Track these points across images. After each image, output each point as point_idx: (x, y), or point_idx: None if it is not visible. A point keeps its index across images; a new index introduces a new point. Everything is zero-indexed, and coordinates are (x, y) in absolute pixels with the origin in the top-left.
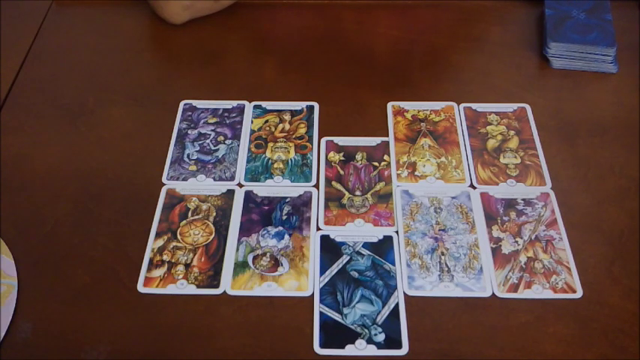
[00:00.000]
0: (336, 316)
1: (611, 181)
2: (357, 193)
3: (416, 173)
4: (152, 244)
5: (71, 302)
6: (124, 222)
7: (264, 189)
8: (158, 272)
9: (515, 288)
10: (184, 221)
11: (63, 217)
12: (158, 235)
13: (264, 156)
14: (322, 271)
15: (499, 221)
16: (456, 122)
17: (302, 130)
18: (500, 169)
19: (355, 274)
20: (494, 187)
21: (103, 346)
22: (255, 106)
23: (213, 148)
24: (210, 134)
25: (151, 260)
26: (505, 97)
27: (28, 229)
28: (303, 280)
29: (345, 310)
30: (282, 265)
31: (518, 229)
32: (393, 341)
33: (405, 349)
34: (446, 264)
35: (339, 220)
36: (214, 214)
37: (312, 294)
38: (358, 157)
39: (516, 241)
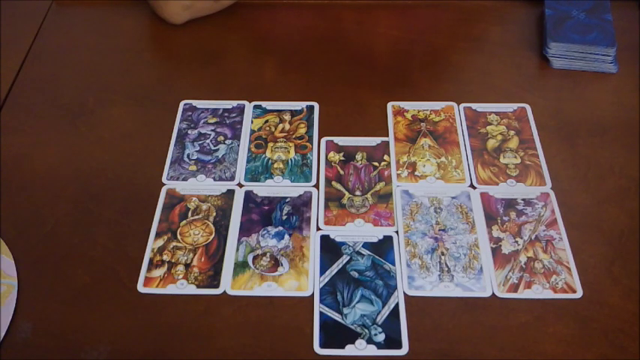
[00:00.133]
0: (336, 316)
1: (611, 181)
2: (357, 193)
3: (416, 173)
4: (152, 244)
5: (71, 302)
6: (124, 222)
7: (264, 189)
8: (158, 272)
9: (515, 288)
10: (184, 221)
11: (63, 217)
12: (158, 235)
13: (264, 156)
14: (322, 271)
15: (499, 221)
16: (456, 122)
17: (302, 130)
18: (500, 169)
19: (355, 274)
20: (494, 187)
21: (103, 346)
22: (255, 106)
23: (213, 148)
24: (210, 134)
25: (151, 260)
26: (505, 97)
27: (28, 229)
28: (303, 280)
29: (345, 310)
30: (282, 265)
31: (518, 229)
32: (393, 341)
33: (405, 349)
34: (446, 264)
35: (339, 220)
36: (214, 214)
37: (312, 294)
38: (358, 157)
39: (516, 241)
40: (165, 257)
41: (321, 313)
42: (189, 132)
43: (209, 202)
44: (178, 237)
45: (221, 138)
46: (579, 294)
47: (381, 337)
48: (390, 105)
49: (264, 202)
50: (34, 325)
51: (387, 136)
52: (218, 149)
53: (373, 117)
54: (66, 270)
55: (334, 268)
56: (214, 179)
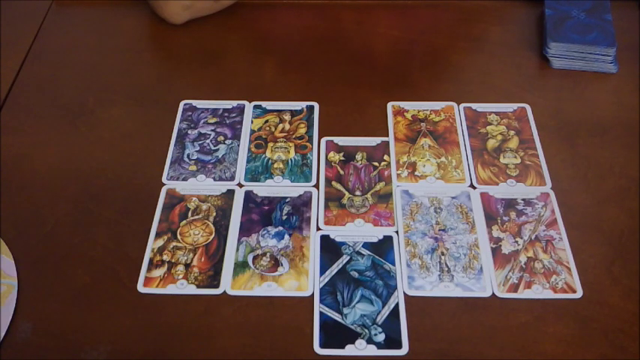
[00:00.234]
0: (336, 316)
1: (611, 181)
2: (357, 193)
3: (416, 173)
4: (152, 244)
5: (71, 302)
6: (124, 222)
7: (264, 189)
8: (158, 272)
9: (515, 288)
10: (184, 221)
11: (63, 217)
12: (158, 235)
13: (264, 156)
14: (322, 271)
15: (499, 221)
16: (456, 122)
17: (302, 130)
18: (500, 169)
19: (355, 274)
20: (494, 187)
21: (103, 346)
22: (255, 106)
23: (213, 148)
24: (210, 134)
25: (151, 260)
26: (505, 97)
27: (28, 229)
28: (303, 280)
29: (345, 310)
30: (282, 265)
31: (518, 229)
32: (393, 341)
33: (405, 349)
34: (446, 264)
35: (339, 220)
36: (214, 214)
37: (312, 294)
38: (358, 157)
39: (516, 241)
40: (165, 257)
41: (321, 313)
42: (189, 132)
43: (209, 202)
44: (178, 237)
45: (221, 138)
46: (579, 294)
47: (381, 337)
48: (390, 105)
49: (264, 202)
50: (34, 325)
51: (387, 136)
52: (218, 149)
53: (373, 117)
54: (66, 270)
55: (334, 268)
56: (214, 179)
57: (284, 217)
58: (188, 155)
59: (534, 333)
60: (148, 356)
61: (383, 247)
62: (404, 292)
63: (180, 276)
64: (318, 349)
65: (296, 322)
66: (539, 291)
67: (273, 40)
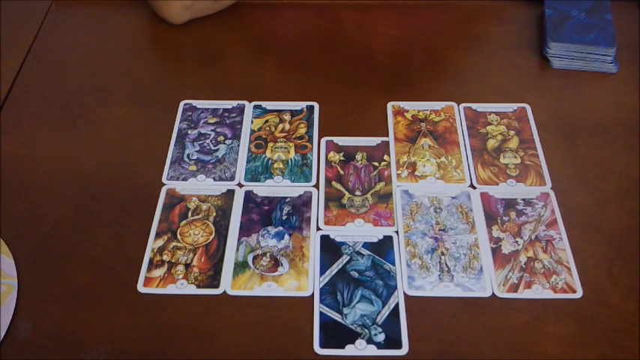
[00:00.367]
0: (336, 316)
1: (611, 181)
2: (357, 193)
3: (416, 173)
4: (152, 244)
5: (71, 302)
6: (124, 222)
7: (264, 189)
8: (158, 272)
9: (515, 288)
10: (184, 221)
11: (63, 217)
12: (158, 235)
13: (264, 156)
14: (322, 271)
15: (499, 221)
16: (456, 122)
17: (302, 130)
18: (500, 169)
19: (355, 274)
20: (494, 187)
21: (103, 346)
22: (255, 106)
23: (213, 148)
24: (210, 134)
25: (151, 260)
26: (505, 97)
27: (28, 229)
28: (303, 280)
29: (345, 310)
30: (282, 265)
31: (518, 229)
32: (393, 341)
33: (405, 349)
34: (446, 264)
35: (339, 220)
36: (214, 214)
37: (312, 294)
38: (358, 157)
39: (516, 241)
40: (165, 257)
41: (321, 313)
42: (189, 132)
43: (209, 202)
44: (178, 237)
45: (221, 138)
46: (579, 294)
47: (381, 337)
48: (390, 105)
49: (264, 202)
50: (34, 325)
51: (387, 136)
52: (218, 149)
53: (373, 117)
54: (66, 270)
55: (334, 268)
56: (214, 179)
57: (284, 217)
58: (188, 155)
59: (534, 333)
60: (148, 356)
61: (383, 247)
62: (404, 292)
63: (180, 276)
64: (318, 349)
65: (296, 322)
66: (539, 291)
67: (273, 40)
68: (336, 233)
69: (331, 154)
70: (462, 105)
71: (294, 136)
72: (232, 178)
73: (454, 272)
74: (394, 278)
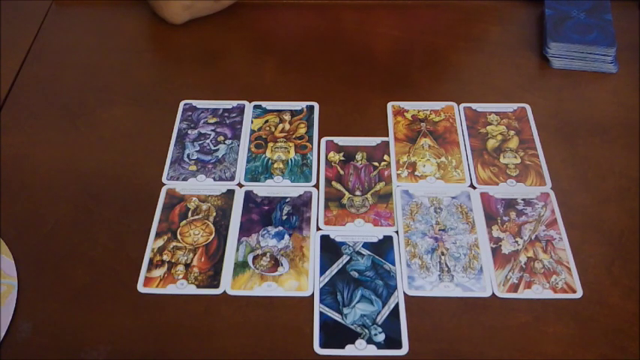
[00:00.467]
0: (336, 316)
1: (611, 181)
2: (357, 193)
3: (416, 173)
4: (152, 244)
5: (71, 302)
6: (124, 222)
7: (264, 189)
8: (158, 272)
9: (515, 288)
10: (184, 221)
11: (63, 217)
12: (158, 235)
13: (264, 156)
14: (322, 271)
15: (499, 221)
16: (456, 122)
17: (302, 130)
18: (500, 169)
19: (355, 274)
20: (494, 187)
21: (103, 346)
22: (255, 106)
23: (213, 148)
24: (210, 134)
25: (151, 260)
26: (505, 97)
27: (28, 229)
28: (303, 280)
29: (345, 310)
30: (282, 265)
31: (518, 229)
32: (393, 341)
33: (405, 349)
34: (446, 264)
35: (339, 220)
36: (214, 214)
37: (312, 294)
38: (358, 157)
39: (516, 241)
40: (165, 257)
41: (321, 313)
42: (189, 132)
43: (209, 202)
44: (178, 237)
45: (221, 138)
46: (579, 294)
47: (381, 337)
48: (390, 105)
49: (264, 202)
50: (34, 325)
51: (387, 136)
52: (218, 149)
53: (373, 117)
54: (66, 270)
55: (334, 268)
56: (214, 179)
57: (284, 217)
58: (188, 155)
59: (534, 333)
60: (148, 356)
61: (383, 247)
62: (404, 292)
63: (180, 276)
64: (318, 349)
65: (296, 322)
66: (539, 291)
67: (273, 40)
68: (336, 233)
69: (331, 154)
70: (462, 105)
71: (294, 136)
72: (232, 178)
73: (454, 272)
74: (394, 278)
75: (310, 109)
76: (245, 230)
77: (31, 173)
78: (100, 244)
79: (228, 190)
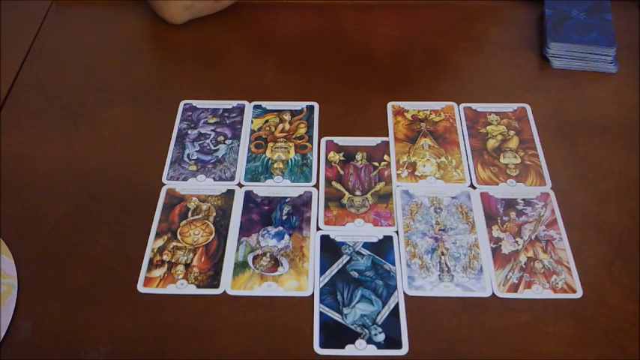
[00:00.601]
0: (336, 316)
1: (611, 181)
2: (357, 193)
3: (416, 173)
4: (152, 244)
5: (71, 302)
6: (124, 222)
7: (264, 189)
8: (158, 272)
9: (515, 288)
10: (184, 221)
11: (63, 217)
12: (158, 235)
13: (264, 156)
14: (322, 271)
15: (499, 221)
16: (456, 122)
17: (302, 130)
18: (500, 169)
19: (355, 274)
20: (494, 187)
21: (103, 346)
22: (255, 106)
23: (213, 148)
24: (210, 134)
25: (151, 260)
26: (505, 97)
27: (28, 229)
28: (303, 280)
29: (345, 310)
30: (282, 265)
31: (518, 229)
32: (393, 341)
33: (405, 349)
34: (446, 264)
35: (339, 220)
36: (214, 214)
37: (312, 294)
38: (358, 157)
39: (516, 241)
40: (165, 257)
41: (321, 313)
42: (189, 132)
43: (209, 202)
44: (178, 237)
45: (221, 138)
46: (579, 294)
47: (381, 337)
48: (390, 105)
49: (264, 202)
50: (34, 325)
51: (387, 136)
52: (218, 149)
53: (373, 117)
54: (66, 270)
55: (334, 268)
56: (214, 179)
57: (284, 217)
58: (188, 155)
59: (534, 333)
60: (148, 356)
61: (383, 247)
62: (404, 292)
63: (180, 276)
64: (318, 349)
65: (296, 322)
66: (539, 291)
67: (273, 40)
68: (336, 233)
69: (331, 154)
70: (462, 105)
71: (294, 136)
72: (232, 178)
73: (454, 272)
74: (394, 278)
75: (310, 109)
76: (245, 230)
77: (31, 173)
78: (100, 244)
79: (228, 190)
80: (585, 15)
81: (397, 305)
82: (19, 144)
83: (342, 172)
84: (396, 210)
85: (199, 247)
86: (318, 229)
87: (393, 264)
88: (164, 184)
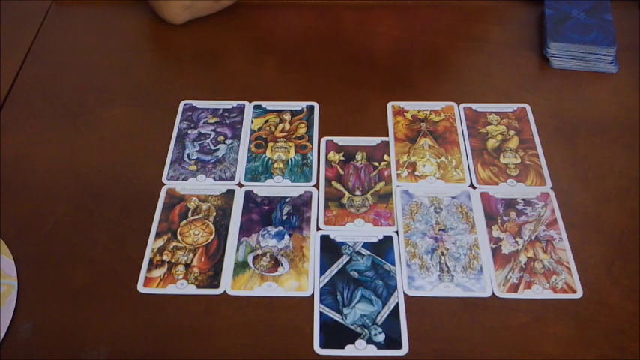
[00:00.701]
0: (336, 316)
1: (611, 181)
2: (357, 193)
3: (416, 173)
4: (152, 244)
5: (71, 302)
6: (124, 222)
7: (264, 189)
8: (158, 272)
9: (515, 288)
10: (184, 221)
11: (63, 217)
12: (158, 235)
13: (264, 156)
14: (322, 271)
15: (499, 221)
16: (456, 122)
17: (302, 130)
18: (500, 169)
19: (355, 274)
20: (494, 187)
21: (103, 346)
22: (255, 106)
23: (213, 148)
24: (210, 134)
25: (151, 260)
26: (505, 97)
27: (28, 229)
28: (303, 280)
29: (345, 310)
30: (282, 265)
31: (518, 229)
32: (393, 341)
33: (405, 349)
34: (446, 264)
35: (339, 220)
36: (214, 214)
37: (312, 294)
38: (358, 157)
39: (516, 241)
40: (165, 257)
41: (321, 313)
42: (189, 132)
43: (209, 202)
44: (178, 237)
45: (221, 138)
46: (579, 294)
47: (381, 337)
48: (390, 105)
49: (264, 202)
50: (34, 325)
51: (387, 136)
52: (218, 149)
53: (373, 117)
54: (66, 270)
55: (334, 268)
56: (214, 179)
57: (284, 217)
58: (188, 155)
59: (534, 333)
60: (148, 356)
61: (383, 247)
62: (404, 292)
63: (180, 276)
64: (318, 349)
65: (296, 322)
66: (539, 291)
67: (273, 40)
68: (336, 233)
69: (331, 154)
70: (462, 105)
71: (294, 136)
72: (232, 178)
73: (454, 272)
74: (394, 278)
75: (310, 109)
76: (245, 230)
77: (31, 173)
78: (100, 244)
79: (228, 190)
80: (585, 15)
81: (397, 305)
82: (19, 144)
83: (342, 172)
84: (396, 210)
85: (199, 247)
86: (318, 229)
87: (393, 264)
88: (164, 184)
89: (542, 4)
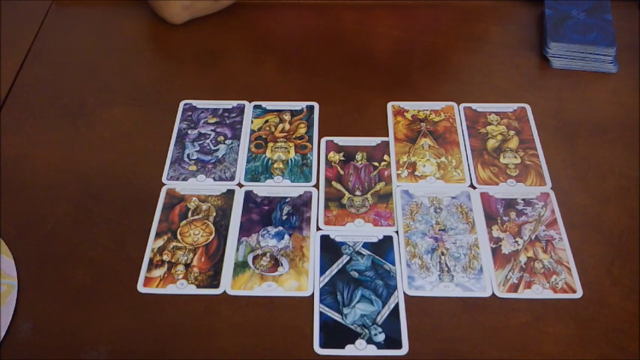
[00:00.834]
0: (336, 316)
1: (611, 181)
2: (357, 193)
3: (416, 173)
4: (152, 244)
5: (71, 302)
6: (124, 222)
7: (264, 189)
8: (158, 272)
9: (515, 288)
10: (184, 221)
11: (63, 217)
12: (158, 235)
13: (264, 156)
14: (322, 271)
15: (499, 221)
16: (456, 122)
17: (302, 130)
18: (500, 169)
19: (355, 274)
20: (494, 187)
21: (103, 346)
22: (255, 106)
23: (213, 148)
24: (210, 134)
25: (151, 260)
26: (505, 97)
27: (28, 229)
28: (303, 280)
29: (345, 310)
30: (282, 265)
31: (518, 229)
32: (393, 341)
33: (405, 349)
34: (446, 264)
35: (339, 220)
36: (214, 214)
37: (312, 294)
38: (358, 157)
39: (516, 241)
40: (165, 257)
41: (321, 313)
42: (189, 132)
43: (209, 202)
44: (178, 237)
45: (221, 138)
46: (579, 294)
47: (381, 337)
48: (390, 105)
49: (264, 202)
50: (34, 325)
51: (387, 136)
52: (218, 149)
53: (373, 117)
54: (66, 270)
55: (334, 268)
56: (214, 179)
57: (284, 217)
58: (188, 155)
59: (534, 333)
60: (148, 356)
61: (383, 247)
62: (404, 292)
63: (180, 276)
64: (318, 349)
65: (296, 322)
66: (539, 291)
67: (273, 40)
68: (336, 233)
69: (331, 154)
70: (462, 105)
71: (294, 136)
72: (232, 178)
73: (454, 272)
74: (394, 278)
75: (310, 109)
76: (245, 230)
77: (31, 173)
78: (100, 244)
79: (228, 190)
80: (585, 15)
81: (397, 305)
82: (19, 144)
83: (342, 172)
84: (396, 210)
85: (199, 247)
86: (318, 229)
87: (393, 264)
88: (164, 184)
89: (542, 4)
